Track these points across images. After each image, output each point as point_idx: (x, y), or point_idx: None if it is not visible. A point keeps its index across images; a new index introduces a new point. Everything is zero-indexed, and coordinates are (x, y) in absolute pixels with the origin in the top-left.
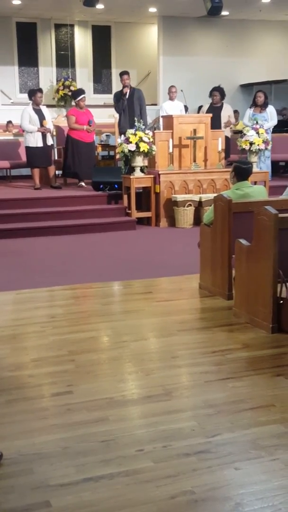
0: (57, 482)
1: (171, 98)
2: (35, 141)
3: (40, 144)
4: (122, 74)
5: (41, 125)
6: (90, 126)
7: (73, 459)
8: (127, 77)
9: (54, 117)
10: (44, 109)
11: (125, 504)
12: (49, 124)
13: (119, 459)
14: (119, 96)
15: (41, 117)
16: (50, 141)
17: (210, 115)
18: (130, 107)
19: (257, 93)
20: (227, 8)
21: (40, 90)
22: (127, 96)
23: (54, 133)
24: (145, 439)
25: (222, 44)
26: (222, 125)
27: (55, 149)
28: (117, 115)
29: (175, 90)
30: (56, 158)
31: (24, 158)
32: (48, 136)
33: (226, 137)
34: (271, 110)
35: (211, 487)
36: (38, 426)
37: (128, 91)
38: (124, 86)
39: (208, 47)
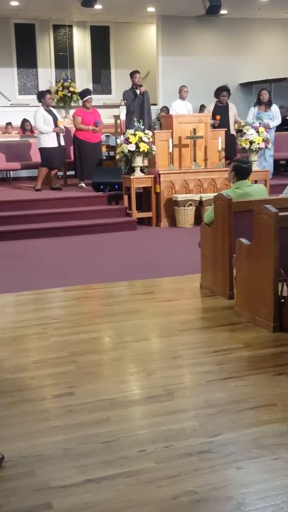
0: (58, 483)
1: (181, 97)
2: (51, 141)
3: (55, 144)
4: (134, 73)
5: (56, 125)
6: (96, 126)
7: (75, 461)
8: (140, 76)
9: None
10: (54, 110)
11: (127, 505)
12: (61, 124)
13: (120, 460)
14: (133, 95)
15: (55, 118)
16: (62, 142)
17: (209, 114)
18: (141, 107)
19: (262, 91)
20: (226, 7)
21: (49, 92)
22: (142, 96)
23: None
24: (147, 439)
25: (222, 43)
26: (232, 126)
27: None
28: (122, 115)
29: (187, 90)
30: None
31: (33, 159)
32: (61, 136)
33: (232, 136)
34: (275, 109)
35: (213, 487)
36: (39, 428)
37: (144, 91)
38: (137, 85)
39: (207, 46)
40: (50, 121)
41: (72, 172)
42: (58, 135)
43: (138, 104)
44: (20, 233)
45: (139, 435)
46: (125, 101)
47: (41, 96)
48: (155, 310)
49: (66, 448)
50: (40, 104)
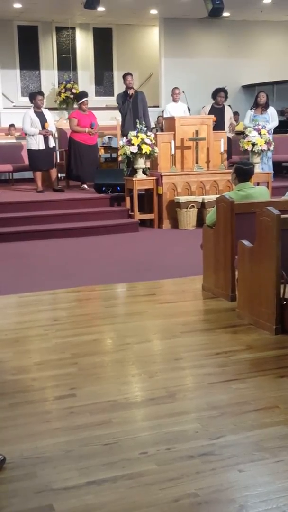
0: (60, 485)
1: (174, 100)
2: (37, 144)
3: (42, 147)
4: (125, 75)
5: (43, 127)
6: (92, 128)
7: (77, 463)
8: (131, 78)
9: (56, 120)
10: (46, 112)
11: (128, 507)
12: (51, 126)
13: (122, 462)
14: (124, 97)
15: (43, 120)
16: (52, 144)
17: (212, 116)
18: (134, 108)
19: (259, 93)
20: (229, 9)
21: (41, 93)
22: (132, 98)
23: (56, 136)
24: (148, 441)
25: (224, 45)
26: (227, 128)
27: (57, 152)
28: (119, 117)
29: (179, 92)
30: (58, 160)
31: (26, 161)
32: (50, 138)
33: (228, 138)
34: (272, 111)
35: (215, 490)
36: (41, 430)
37: (134, 92)
38: (128, 88)
39: (210, 48)
40: (37, 124)
41: None
42: (46, 137)
43: (129, 106)
44: (22, 234)
45: (141, 437)
46: (118, 104)
47: (32, 97)
48: (157, 312)
49: (68, 450)
50: (32, 105)
